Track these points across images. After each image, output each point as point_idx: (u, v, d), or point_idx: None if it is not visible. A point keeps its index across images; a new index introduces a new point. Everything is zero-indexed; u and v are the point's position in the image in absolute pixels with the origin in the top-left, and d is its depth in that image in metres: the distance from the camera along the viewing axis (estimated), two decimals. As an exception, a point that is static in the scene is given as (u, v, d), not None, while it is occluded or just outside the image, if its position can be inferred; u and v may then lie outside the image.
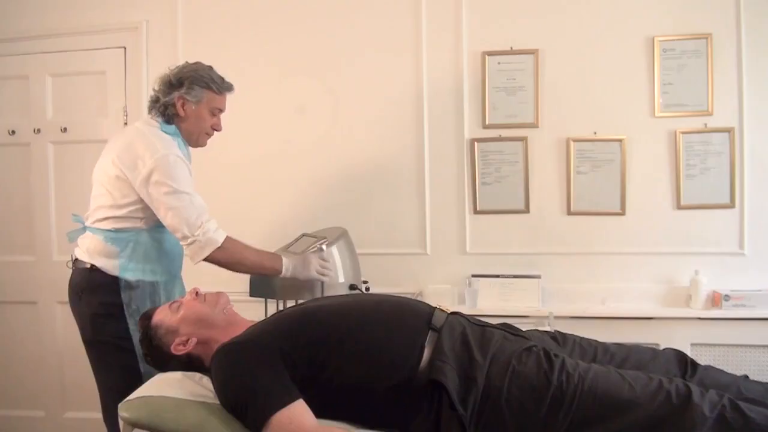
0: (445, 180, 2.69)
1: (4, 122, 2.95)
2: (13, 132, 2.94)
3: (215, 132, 2.02)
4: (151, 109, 1.95)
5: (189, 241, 1.81)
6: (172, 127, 1.93)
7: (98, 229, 1.88)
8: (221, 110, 2.00)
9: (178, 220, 1.80)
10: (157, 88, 1.94)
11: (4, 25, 2.93)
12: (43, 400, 2.94)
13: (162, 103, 1.91)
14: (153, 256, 1.91)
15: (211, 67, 1.97)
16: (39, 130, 2.92)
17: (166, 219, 1.81)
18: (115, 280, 1.85)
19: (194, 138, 1.99)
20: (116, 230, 1.87)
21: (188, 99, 1.90)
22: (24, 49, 2.92)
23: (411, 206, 2.71)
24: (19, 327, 2.97)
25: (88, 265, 1.88)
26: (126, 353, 1.85)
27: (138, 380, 1.78)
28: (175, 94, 1.90)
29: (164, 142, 1.86)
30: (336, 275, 2.03)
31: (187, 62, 1.98)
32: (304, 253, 2.01)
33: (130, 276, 1.87)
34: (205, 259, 1.84)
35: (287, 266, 1.93)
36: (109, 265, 1.86)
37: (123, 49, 2.88)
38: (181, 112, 1.91)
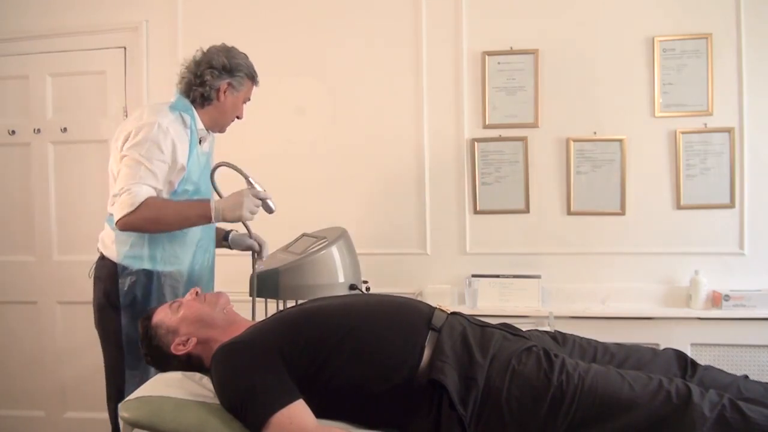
0: (445, 180, 2.69)
1: (4, 122, 2.96)
2: (13, 132, 2.94)
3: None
4: (187, 89, 1.87)
5: (111, 202, 1.73)
6: (183, 103, 1.86)
7: (108, 216, 1.83)
8: (249, 100, 1.98)
9: (119, 180, 1.72)
10: (195, 69, 1.86)
11: (4, 25, 2.93)
12: (43, 400, 2.94)
13: (209, 86, 1.85)
14: (157, 242, 1.82)
15: (246, 55, 1.95)
16: (39, 130, 2.92)
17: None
18: (116, 267, 1.81)
19: (221, 124, 1.95)
20: None
21: (234, 86, 1.88)
22: (24, 49, 2.92)
23: (411, 206, 2.72)
24: (19, 327, 2.97)
25: (99, 254, 1.87)
26: (114, 348, 1.82)
27: (120, 379, 1.80)
28: (226, 80, 1.86)
29: (153, 112, 1.79)
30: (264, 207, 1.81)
31: (224, 44, 1.92)
32: (238, 192, 1.80)
33: (127, 262, 1.81)
34: (124, 223, 1.69)
35: (217, 210, 1.73)
36: (112, 252, 1.83)
37: (123, 49, 2.88)
38: (222, 98, 1.88)
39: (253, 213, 1.77)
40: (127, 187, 1.68)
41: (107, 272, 1.83)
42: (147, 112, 1.79)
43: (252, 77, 1.93)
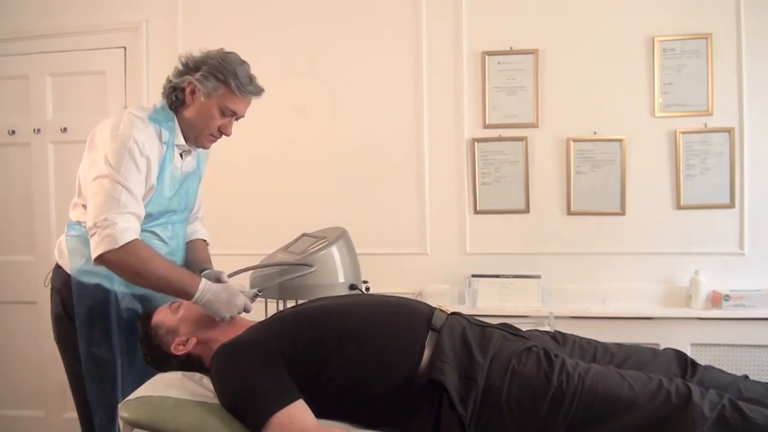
0: (445, 180, 2.69)
1: (4, 122, 2.96)
2: (13, 132, 2.95)
3: (223, 136, 1.75)
4: (167, 91, 1.71)
5: (91, 232, 1.52)
6: (166, 115, 1.69)
7: (69, 222, 1.72)
8: (235, 113, 1.71)
9: (92, 206, 1.54)
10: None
11: (4, 25, 2.93)
12: (43, 400, 2.94)
13: (172, 85, 1.69)
14: None
15: (244, 62, 1.71)
16: (39, 130, 2.92)
17: (88, 205, 1.57)
18: (70, 280, 1.68)
19: (194, 135, 1.72)
20: (78, 222, 1.68)
21: (199, 88, 1.65)
22: (24, 49, 2.93)
23: (411, 206, 2.72)
24: (19, 327, 2.97)
25: (55, 263, 1.75)
26: (76, 362, 1.70)
27: (83, 391, 1.71)
28: (187, 78, 1.66)
29: (130, 124, 1.60)
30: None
31: (222, 49, 1.72)
32: (234, 289, 1.61)
33: (81, 277, 1.67)
34: (103, 261, 1.52)
35: (203, 292, 1.52)
36: (66, 263, 1.70)
37: (123, 49, 2.88)
38: (189, 100, 1.67)
39: (231, 315, 1.56)
40: (112, 219, 1.51)
41: (63, 282, 1.70)
42: (124, 123, 1.60)
43: (228, 83, 1.64)
